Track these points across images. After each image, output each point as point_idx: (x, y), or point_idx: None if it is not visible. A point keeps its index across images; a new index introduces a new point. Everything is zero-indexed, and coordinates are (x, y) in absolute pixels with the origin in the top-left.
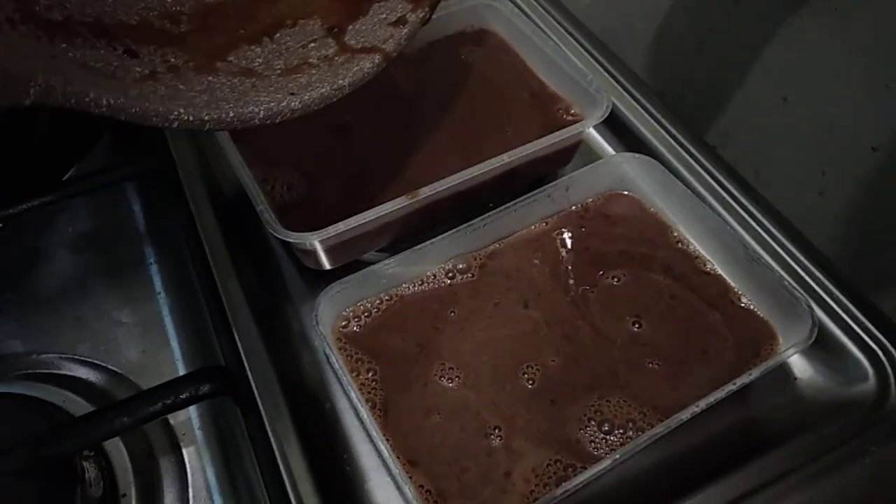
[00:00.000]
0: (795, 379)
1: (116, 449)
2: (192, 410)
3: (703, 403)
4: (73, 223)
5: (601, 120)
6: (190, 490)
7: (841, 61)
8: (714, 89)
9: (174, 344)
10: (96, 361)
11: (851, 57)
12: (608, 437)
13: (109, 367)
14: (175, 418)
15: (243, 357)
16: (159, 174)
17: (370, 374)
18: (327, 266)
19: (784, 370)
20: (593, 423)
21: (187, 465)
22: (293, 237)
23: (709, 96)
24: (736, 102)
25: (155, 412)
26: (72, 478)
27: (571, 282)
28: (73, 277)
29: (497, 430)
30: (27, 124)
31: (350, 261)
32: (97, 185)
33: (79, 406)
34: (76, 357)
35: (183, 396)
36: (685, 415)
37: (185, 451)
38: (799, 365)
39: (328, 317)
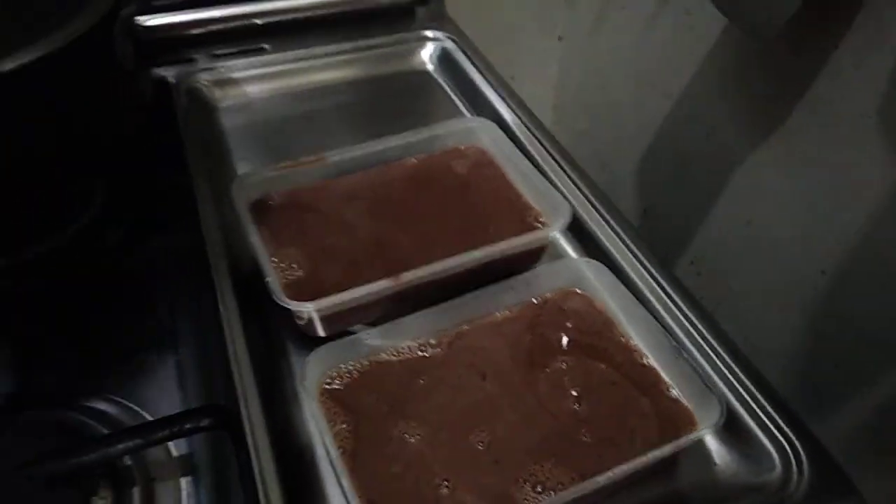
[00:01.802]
0: (715, 464)
1: (125, 471)
2: (193, 443)
3: (618, 471)
4: (124, 282)
5: (563, 228)
6: None
7: (793, 187)
8: (689, 210)
9: (185, 387)
10: (114, 398)
11: (799, 182)
12: (540, 496)
13: (122, 400)
14: (178, 449)
15: (240, 401)
16: (191, 245)
17: (344, 426)
18: (321, 333)
19: (705, 455)
20: (528, 483)
21: (183, 492)
22: (292, 305)
23: (684, 217)
24: (707, 224)
25: (163, 437)
26: (88, 490)
27: (525, 362)
28: (111, 325)
29: (446, 482)
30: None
31: (341, 330)
32: (144, 253)
33: (99, 431)
34: (99, 393)
35: (187, 427)
36: (602, 479)
37: (182, 480)
38: (719, 451)
39: (314, 374)
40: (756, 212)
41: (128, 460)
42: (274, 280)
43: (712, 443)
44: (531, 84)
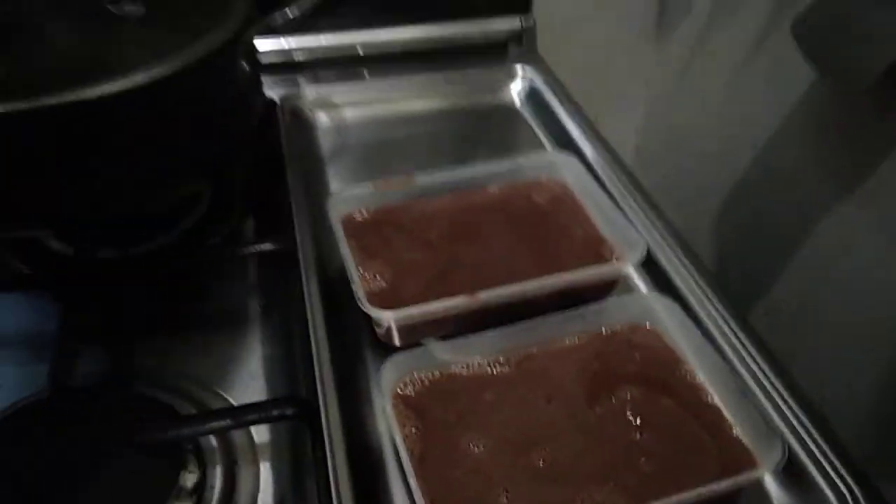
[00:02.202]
0: None
1: (211, 450)
2: (273, 433)
3: (675, 499)
4: (217, 279)
5: (637, 263)
6: (260, 498)
7: (877, 243)
8: (767, 260)
9: (271, 377)
10: (207, 383)
11: (880, 237)
12: None
13: (215, 388)
14: (259, 437)
15: (320, 396)
16: (285, 251)
17: (414, 430)
18: (397, 343)
19: (764, 498)
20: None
21: (261, 476)
22: (374, 312)
23: (762, 267)
24: (785, 275)
25: (251, 420)
26: (179, 463)
27: (590, 390)
28: (207, 317)
29: (506, 493)
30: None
31: (415, 342)
32: (241, 255)
33: (190, 412)
34: (195, 379)
35: (273, 413)
36: None
37: (261, 466)
38: (778, 495)
39: (389, 379)
40: (838, 266)
41: (214, 441)
42: (359, 287)
43: (772, 486)
44: (614, 125)
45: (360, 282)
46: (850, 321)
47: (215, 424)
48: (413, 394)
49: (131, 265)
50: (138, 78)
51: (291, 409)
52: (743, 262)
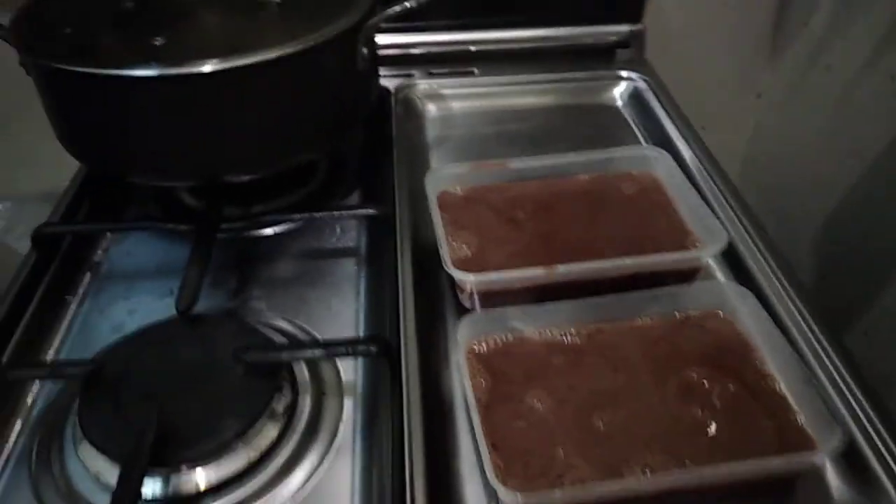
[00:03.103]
0: (832, 498)
1: (303, 379)
2: (358, 371)
3: (724, 468)
4: (320, 239)
5: (717, 252)
6: (341, 427)
7: None
8: (868, 278)
9: (361, 325)
10: (305, 326)
11: None
12: (645, 476)
13: (311, 330)
14: (346, 374)
15: (402, 340)
16: (386, 217)
17: (483, 383)
18: (477, 308)
19: (824, 488)
20: (637, 465)
21: (344, 409)
22: (456, 274)
23: (862, 284)
24: (886, 295)
25: (340, 352)
26: (274, 385)
27: (658, 367)
28: (308, 274)
29: (562, 448)
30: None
31: (493, 307)
32: (345, 215)
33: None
34: (294, 321)
35: (360, 348)
36: (707, 472)
37: (345, 399)
38: (838, 487)
39: (465, 334)
40: None
41: (306, 373)
42: (446, 252)
43: (832, 477)
44: (722, 135)
45: (448, 247)
46: None
47: (308, 352)
48: (486, 351)
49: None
50: (270, 54)
51: (375, 346)
52: (844, 281)
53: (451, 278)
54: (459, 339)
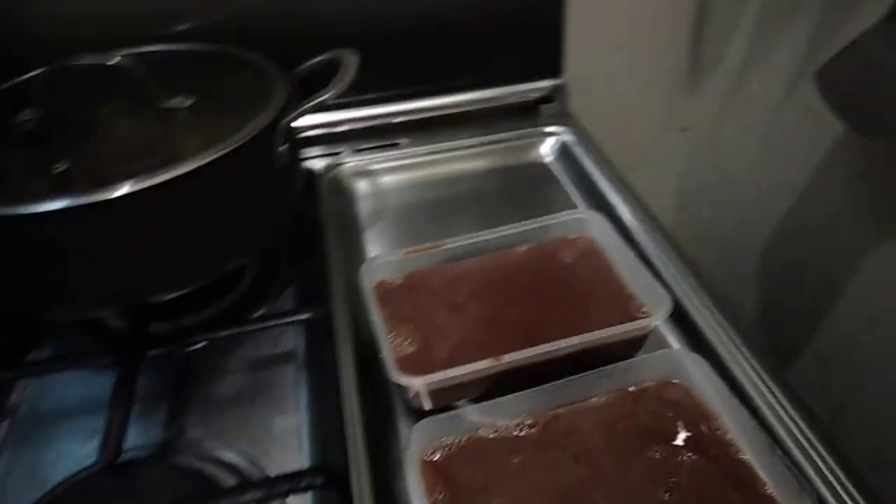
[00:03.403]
0: None
1: None
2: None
3: None
4: (256, 348)
5: (663, 319)
6: None
7: None
8: (812, 303)
9: (305, 444)
10: (249, 451)
11: None
12: None
13: (257, 458)
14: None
15: (351, 463)
16: (322, 320)
17: (441, 496)
18: (426, 407)
19: None
20: None
21: None
22: (403, 381)
23: (807, 309)
24: (831, 319)
25: (283, 492)
26: None
27: (619, 449)
28: (246, 390)
29: None
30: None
31: (445, 405)
32: (280, 323)
33: (227, 482)
34: (236, 447)
35: (303, 484)
36: None
37: None
38: None
39: (417, 446)
40: (883, 309)
41: None
42: (388, 356)
43: None
44: (653, 172)
45: (390, 349)
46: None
47: (248, 497)
48: (441, 459)
49: (176, 336)
50: (184, 167)
51: (321, 478)
52: (788, 306)
53: None
54: (410, 455)
